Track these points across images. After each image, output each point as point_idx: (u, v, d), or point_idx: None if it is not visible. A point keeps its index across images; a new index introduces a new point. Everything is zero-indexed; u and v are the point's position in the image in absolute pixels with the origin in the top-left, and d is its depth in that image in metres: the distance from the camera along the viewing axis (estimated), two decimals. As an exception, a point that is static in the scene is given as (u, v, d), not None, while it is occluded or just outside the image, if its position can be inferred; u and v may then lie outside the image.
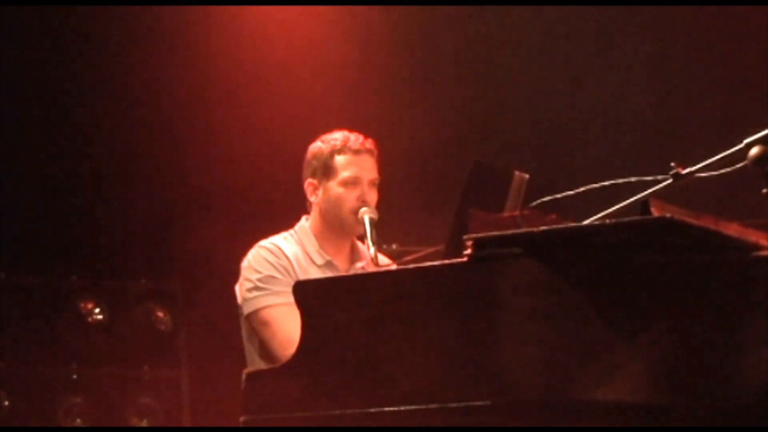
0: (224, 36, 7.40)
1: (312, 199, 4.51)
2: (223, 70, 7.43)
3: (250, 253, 4.44)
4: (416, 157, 7.25)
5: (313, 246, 4.45)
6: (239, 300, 4.42)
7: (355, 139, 4.48)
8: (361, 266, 4.47)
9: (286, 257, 4.39)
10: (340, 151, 4.46)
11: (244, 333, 4.44)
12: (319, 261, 4.42)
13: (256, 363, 4.34)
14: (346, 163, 4.44)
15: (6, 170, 7.06)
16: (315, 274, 4.36)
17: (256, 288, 4.34)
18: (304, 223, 4.53)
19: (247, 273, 4.39)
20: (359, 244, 4.56)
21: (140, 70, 7.37)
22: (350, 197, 4.41)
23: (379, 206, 4.44)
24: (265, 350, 4.31)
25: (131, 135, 7.37)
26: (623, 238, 3.18)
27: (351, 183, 4.42)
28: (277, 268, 4.35)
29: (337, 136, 4.49)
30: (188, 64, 7.39)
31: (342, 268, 4.45)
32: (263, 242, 4.46)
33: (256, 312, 4.33)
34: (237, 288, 4.45)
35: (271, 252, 4.40)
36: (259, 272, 4.36)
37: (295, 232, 4.52)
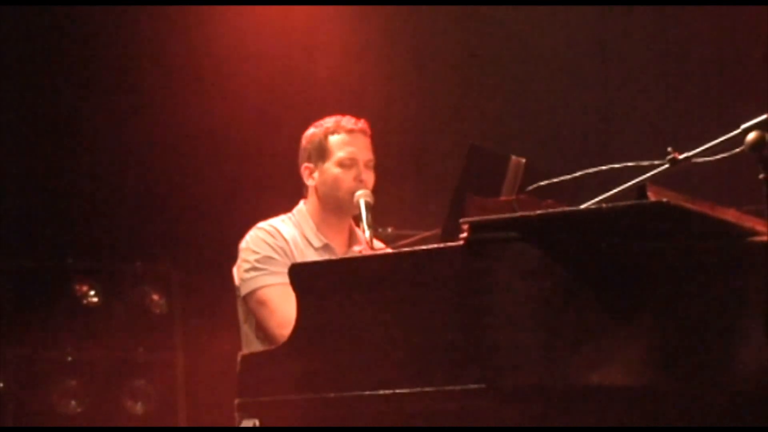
0: (217, 24, 7.39)
1: (309, 183, 4.50)
2: (221, 54, 7.42)
3: (249, 234, 4.44)
4: (413, 141, 7.25)
5: (311, 229, 4.45)
6: (236, 281, 4.43)
7: (348, 119, 4.48)
8: (358, 250, 4.47)
9: (284, 239, 4.39)
10: (333, 132, 4.46)
11: (240, 314, 4.44)
12: (317, 244, 4.43)
13: (252, 344, 4.34)
14: (341, 143, 4.44)
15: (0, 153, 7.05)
16: (312, 256, 4.36)
17: (254, 268, 4.34)
18: (302, 206, 4.53)
19: (244, 254, 4.39)
20: (357, 228, 4.56)
21: (139, 55, 7.36)
22: (347, 177, 4.41)
23: (376, 189, 4.44)
24: (262, 331, 4.31)
25: (126, 120, 7.36)
26: (620, 223, 3.18)
27: (347, 163, 4.42)
28: (275, 249, 4.35)
29: (330, 119, 4.50)
30: (188, 49, 7.38)
31: (339, 252, 4.45)
32: (261, 224, 4.46)
33: (253, 292, 4.33)
34: (234, 269, 4.45)
35: (269, 233, 4.40)
36: (257, 253, 4.36)
37: (293, 215, 4.52)
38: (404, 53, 7.41)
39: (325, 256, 4.36)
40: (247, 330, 4.41)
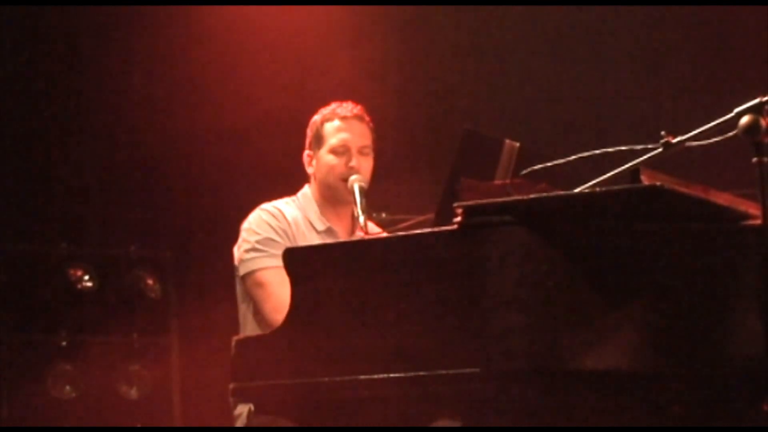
0: (215, 19, 7.39)
1: (309, 170, 4.52)
2: (217, 46, 7.41)
3: (252, 214, 4.44)
4: (407, 125, 7.24)
5: (314, 212, 4.46)
6: (236, 261, 4.42)
7: (345, 106, 4.49)
8: (360, 236, 4.47)
9: (287, 221, 4.39)
10: (328, 119, 4.47)
11: (238, 294, 4.44)
12: (320, 227, 4.43)
13: (249, 325, 4.35)
14: (334, 130, 4.45)
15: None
16: (315, 239, 4.37)
17: (254, 249, 4.34)
18: (307, 190, 4.54)
19: (246, 234, 4.39)
20: None
21: (137, 47, 7.36)
22: (339, 164, 4.42)
23: (374, 174, 4.44)
24: (258, 312, 4.31)
25: (121, 104, 7.35)
26: (614, 207, 3.18)
27: (339, 150, 4.43)
28: (277, 231, 4.36)
29: (331, 106, 4.51)
30: (186, 42, 7.38)
31: (342, 237, 4.45)
32: (265, 205, 4.47)
33: (251, 273, 4.33)
34: (235, 249, 4.45)
35: (272, 215, 4.40)
36: (259, 234, 4.36)
37: (298, 198, 4.53)
38: (399, 40, 7.40)
39: (328, 240, 4.36)
40: (244, 310, 4.41)
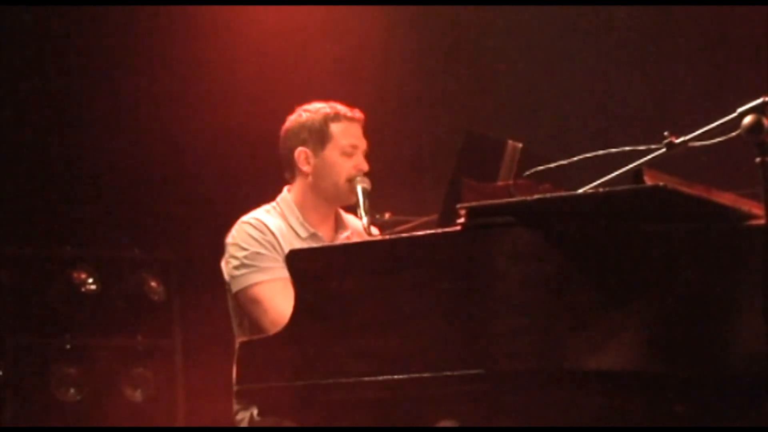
0: (214, 20, 7.40)
1: (304, 168, 4.45)
2: (218, 47, 7.41)
3: (234, 228, 4.38)
4: (409, 127, 7.25)
5: (296, 218, 4.41)
6: (226, 277, 4.37)
7: (343, 107, 4.47)
8: (345, 236, 4.46)
9: (271, 232, 4.34)
10: (334, 119, 4.44)
11: (231, 309, 4.39)
12: (304, 234, 4.38)
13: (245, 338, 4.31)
14: (344, 131, 4.43)
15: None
16: (299, 247, 4.32)
17: (243, 265, 4.29)
18: (286, 194, 4.48)
19: (232, 250, 4.34)
20: (343, 213, 4.54)
21: (140, 48, 7.36)
22: (348, 165, 4.40)
23: (374, 174, 4.44)
24: (256, 327, 4.23)
25: (123, 106, 7.35)
26: (617, 207, 3.18)
27: (349, 151, 4.41)
28: (263, 244, 4.30)
29: (325, 105, 4.48)
30: (187, 43, 7.38)
31: (327, 239, 4.42)
32: (246, 217, 4.40)
33: (244, 290, 4.28)
34: (222, 264, 4.39)
35: (256, 228, 4.34)
36: (245, 249, 4.30)
37: (278, 204, 4.47)
38: (401, 39, 7.40)
39: (313, 246, 4.32)
40: (239, 324, 4.38)
